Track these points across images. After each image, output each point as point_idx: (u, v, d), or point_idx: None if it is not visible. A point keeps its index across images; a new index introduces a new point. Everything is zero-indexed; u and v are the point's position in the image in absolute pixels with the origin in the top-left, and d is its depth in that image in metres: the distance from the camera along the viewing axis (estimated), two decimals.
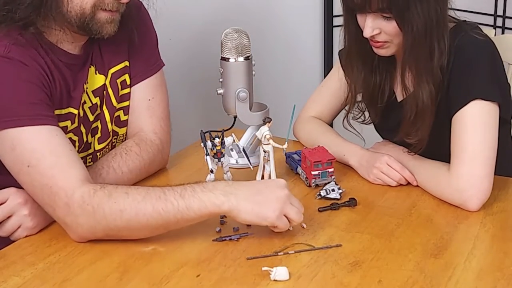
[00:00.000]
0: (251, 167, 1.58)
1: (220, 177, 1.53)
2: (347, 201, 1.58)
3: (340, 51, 1.85)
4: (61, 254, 1.40)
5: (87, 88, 1.63)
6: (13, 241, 1.47)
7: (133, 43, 1.70)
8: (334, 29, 2.92)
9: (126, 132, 1.74)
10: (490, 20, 2.78)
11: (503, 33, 2.74)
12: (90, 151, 1.69)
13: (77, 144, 1.63)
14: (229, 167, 1.56)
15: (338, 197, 1.59)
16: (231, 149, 1.75)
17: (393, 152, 1.71)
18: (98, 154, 1.69)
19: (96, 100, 1.66)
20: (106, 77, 1.67)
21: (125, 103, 1.72)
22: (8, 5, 1.47)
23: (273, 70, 2.85)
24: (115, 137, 1.73)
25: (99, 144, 1.69)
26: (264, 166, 1.55)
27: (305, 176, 1.68)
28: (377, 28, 1.59)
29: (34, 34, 1.50)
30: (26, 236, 1.47)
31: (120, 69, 1.70)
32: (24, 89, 1.45)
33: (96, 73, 1.65)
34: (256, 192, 1.39)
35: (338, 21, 2.86)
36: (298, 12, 2.90)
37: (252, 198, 1.37)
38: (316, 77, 2.98)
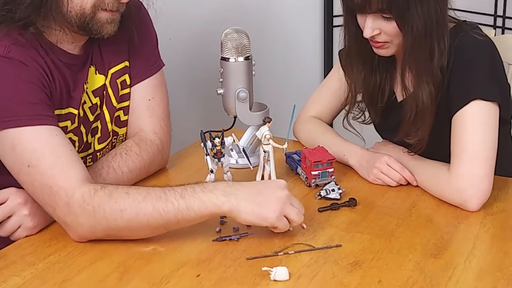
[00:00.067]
0: (251, 167, 1.58)
1: (220, 177, 1.53)
2: (347, 201, 1.58)
3: (340, 51, 1.85)
4: (61, 254, 1.40)
5: (87, 88, 1.63)
6: (13, 241, 1.47)
7: (133, 43, 1.70)
8: (334, 29, 2.91)
9: (126, 132, 1.74)
10: (490, 20, 2.78)
11: (503, 33, 2.74)
12: (90, 151, 1.69)
13: (77, 144, 1.62)
14: (229, 167, 1.56)
15: (338, 197, 1.59)
16: (231, 149, 1.75)
17: (393, 152, 1.71)
18: (98, 154, 1.69)
19: (96, 100, 1.66)
20: (106, 77, 1.67)
21: (125, 103, 1.72)
22: (8, 5, 1.47)
23: (273, 70, 2.85)
24: (115, 137, 1.73)
25: (99, 144, 1.69)
26: (264, 166, 1.55)
27: (305, 176, 1.68)
28: (377, 28, 1.59)
29: (34, 34, 1.50)
30: (26, 236, 1.47)
31: (120, 69, 1.70)
32: (24, 89, 1.45)
33: (96, 73, 1.65)
34: (257, 192, 1.39)
35: (338, 21, 2.86)
36: (298, 12, 2.90)
37: (252, 198, 1.37)
38: (316, 77, 2.98)
